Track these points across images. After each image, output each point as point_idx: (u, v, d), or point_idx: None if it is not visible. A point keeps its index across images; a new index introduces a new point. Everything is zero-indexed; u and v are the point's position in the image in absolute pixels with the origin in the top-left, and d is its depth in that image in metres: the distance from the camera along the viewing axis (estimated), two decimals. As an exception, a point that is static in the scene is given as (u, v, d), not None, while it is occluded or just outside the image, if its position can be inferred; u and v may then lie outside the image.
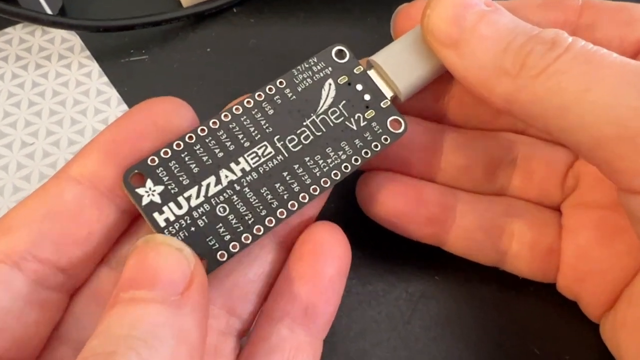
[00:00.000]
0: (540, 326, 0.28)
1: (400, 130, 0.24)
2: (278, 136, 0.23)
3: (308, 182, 0.23)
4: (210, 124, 0.23)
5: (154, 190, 0.21)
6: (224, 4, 0.38)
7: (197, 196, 0.21)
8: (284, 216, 0.22)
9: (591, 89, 0.18)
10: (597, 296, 0.25)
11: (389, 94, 0.24)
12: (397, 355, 0.27)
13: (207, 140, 0.23)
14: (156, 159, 0.21)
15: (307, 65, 0.24)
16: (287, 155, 0.23)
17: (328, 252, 0.23)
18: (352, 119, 0.24)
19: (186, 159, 0.22)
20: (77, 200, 0.20)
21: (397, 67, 0.24)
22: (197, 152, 0.22)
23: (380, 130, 0.24)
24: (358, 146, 0.23)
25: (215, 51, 0.37)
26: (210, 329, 0.22)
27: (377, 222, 0.27)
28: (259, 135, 0.23)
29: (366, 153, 0.23)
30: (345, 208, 0.30)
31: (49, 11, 0.36)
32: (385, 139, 0.24)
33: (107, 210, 0.21)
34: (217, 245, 0.21)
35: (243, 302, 0.23)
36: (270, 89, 0.24)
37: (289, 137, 0.23)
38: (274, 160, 0.23)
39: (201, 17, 0.38)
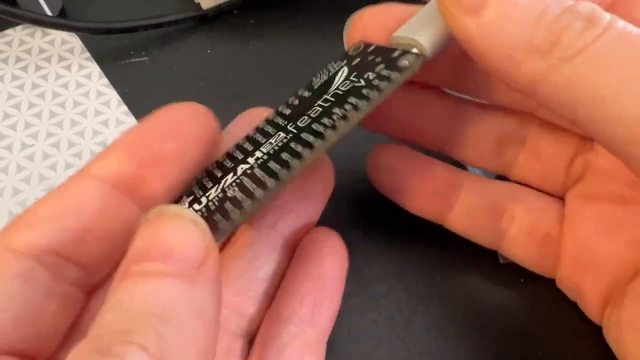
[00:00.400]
0: (543, 329, 0.28)
1: (408, 63, 0.21)
2: (291, 123, 0.22)
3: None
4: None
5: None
6: (225, 5, 0.38)
7: (215, 191, 0.21)
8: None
9: (636, 78, 0.16)
10: (598, 289, 0.25)
11: (413, 50, 0.22)
12: (397, 357, 0.27)
13: (233, 154, 0.23)
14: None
15: (323, 70, 0.24)
16: (295, 132, 0.21)
17: (330, 253, 0.24)
18: (361, 79, 0.22)
19: (213, 171, 0.22)
20: (98, 198, 0.20)
21: (416, 29, 0.22)
22: (223, 163, 0.22)
23: (389, 72, 0.21)
24: (365, 93, 0.21)
25: (215, 53, 0.37)
26: (222, 330, 0.22)
27: (383, 193, 0.28)
28: (275, 130, 0.23)
29: (375, 93, 0.21)
30: (347, 211, 0.30)
31: (49, 12, 0.36)
32: (395, 76, 0.21)
33: (128, 209, 0.21)
34: (223, 220, 0.20)
35: (252, 302, 0.23)
36: (291, 98, 0.24)
37: (300, 119, 0.22)
38: (284, 140, 0.21)
39: (203, 18, 0.38)
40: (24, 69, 0.36)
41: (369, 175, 0.28)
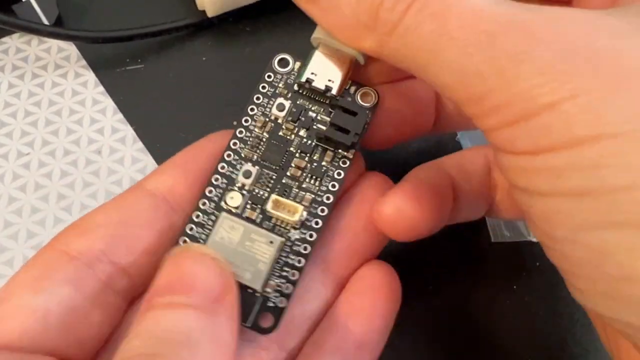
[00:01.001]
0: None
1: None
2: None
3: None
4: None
5: None
6: (223, 15, 0.38)
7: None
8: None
9: (439, 50, 0.17)
10: None
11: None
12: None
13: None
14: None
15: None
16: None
17: (384, 292, 0.23)
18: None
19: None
20: (151, 211, 0.21)
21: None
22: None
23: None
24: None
25: (211, 60, 0.37)
26: None
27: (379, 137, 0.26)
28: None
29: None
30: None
31: (45, 21, 0.36)
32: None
33: (177, 223, 0.22)
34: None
35: (294, 336, 0.23)
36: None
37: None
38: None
39: (199, 26, 0.38)
40: (21, 77, 0.36)
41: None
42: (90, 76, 0.36)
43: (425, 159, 0.36)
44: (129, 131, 0.34)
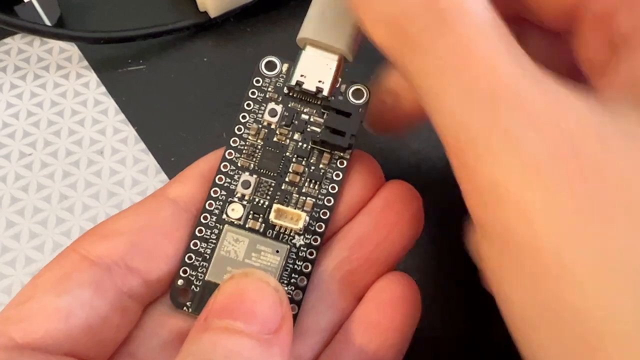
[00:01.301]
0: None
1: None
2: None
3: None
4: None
5: None
6: (225, 15, 0.38)
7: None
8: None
9: (444, 87, 0.17)
10: None
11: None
12: None
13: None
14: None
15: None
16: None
17: (403, 306, 0.23)
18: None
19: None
20: (171, 219, 0.22)
21: (328, 30, 0.23)
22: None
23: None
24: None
25: (213, 61, 0.37)
26: None
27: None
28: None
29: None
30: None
31: (47, 22, 0.36)
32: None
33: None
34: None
35: (308, 348, 0.23)
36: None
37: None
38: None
39: (201, 27, 0.38)
40: (23, 77, 0.36)
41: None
42: (92, 77, 0.36)
43: (430, 162, 0.36)
44: (130, 132, 0.34)
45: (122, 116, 0.35)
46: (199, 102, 0.36)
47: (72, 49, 0.37)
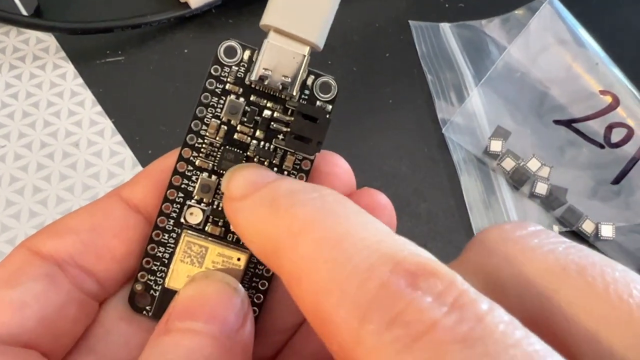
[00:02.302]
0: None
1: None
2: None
3: None
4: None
5: None
6: (206, 6, 0.37)
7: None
8: None
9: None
10: None
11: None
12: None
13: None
14: None
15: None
16: None
17: None
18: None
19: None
20: (122, 220, 0.21)
21: (296, 16, 0.21)
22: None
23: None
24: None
25: (193, 52, 0.37)
26: None
27: None
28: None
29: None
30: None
31: (23, 12, 0.36)
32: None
33: (148, 233, 0.22)
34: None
35: (270, 348, 0.23)
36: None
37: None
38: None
39: (181, 19, 0.37)
40: (-2, 68, 0.35)
41: None
42: (69, 68, 0.35)
43: (411, 157, 0.36)
44: (107, 124, 0.34)
45: (99, 108, 0.34)
46: (179, 94, 0.35)
47: (49, 40, 0.36)
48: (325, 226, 0.16)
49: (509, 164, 0.35)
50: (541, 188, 0.34)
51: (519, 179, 0.34)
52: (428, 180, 0.35)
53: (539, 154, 0.35)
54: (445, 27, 0.41)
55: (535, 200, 0.35)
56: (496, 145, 0.35)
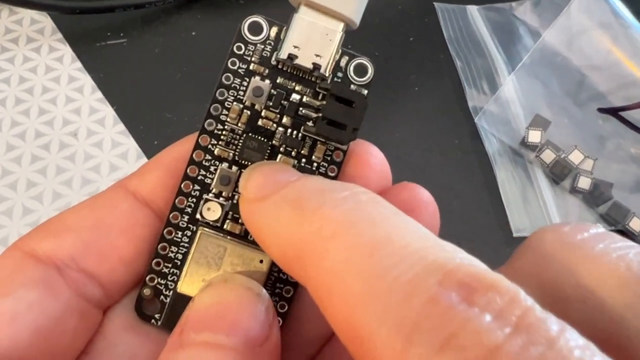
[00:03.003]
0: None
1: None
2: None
3: None
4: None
5: None
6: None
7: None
8: None
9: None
10: None
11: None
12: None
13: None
14: None
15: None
16: None
17: None
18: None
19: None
20: (130, 215, 0.19)
21: None
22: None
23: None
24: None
25: (201, 35, 0.34)
26: None
27: None
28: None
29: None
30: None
31: (16, -11, 0.33)
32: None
33: (159, 231, 0.19)
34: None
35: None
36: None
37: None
38: None
39: (187, -2, 0.35)
40: (-11, 51, 0.32)
41: None
42: (66, 51, 0.33)
43: (440, 149, 0.33)
44: (109, 112, 0.31)
45: (99, 94, 0.31)
46: (186, 80, 0.32)
47: (44, 20, 0.33)
48: (360, 230, 0.14)
49: (548, 156, 0.32)
50: (584, 182, 0.31)
51: (559, 173, 0.32)
52: (460, 174, 0.33)
53: (580, 145, 0.32)
54: (473, 10, 0.38)
55: (577, 196, 0.32)
56: (535, 136, 0.32)
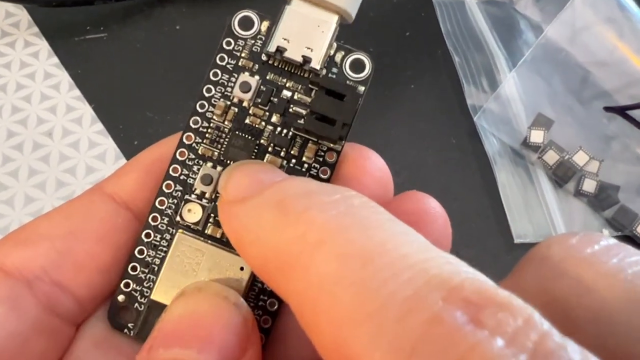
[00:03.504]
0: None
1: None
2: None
3: None
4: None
5: None
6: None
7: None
8: None
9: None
10: None
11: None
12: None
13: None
14: None
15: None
16: None
17: None
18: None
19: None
20: (108, 220, 0.18)
21: None
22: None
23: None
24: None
25: (186, 29, 0.32)
26: None
27: None
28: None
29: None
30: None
31: (-10, -20, 0.31)
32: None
33: (139, 236, 0.18)
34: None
35: None
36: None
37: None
38: None
39: (171, -10, 0.33)
40: (-40, 46, 0.31)
41: None
42: (43, 45, 0.31)
43: (437, 149, 0.32)
44: (86, 110, 0.29)
45: (77, 92, 0.30)
46: (169, 77, 0.31)
47: (20, 13, 0.32)
48: (351, 237, 0.12)
49: (552, 157, 0.30)
50: (589, 185, 0.30)
51: (563, 175, 0.30)
52: (457, 176, 0.31)
53: (585, 145, 0.31)
54: (472, 4, 0.37)
55: (582, 199, 0.30)
56: (537, 136, 0.30)
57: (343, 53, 0.18)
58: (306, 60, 0.18)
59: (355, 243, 0.12)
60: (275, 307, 0.18)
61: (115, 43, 0.32)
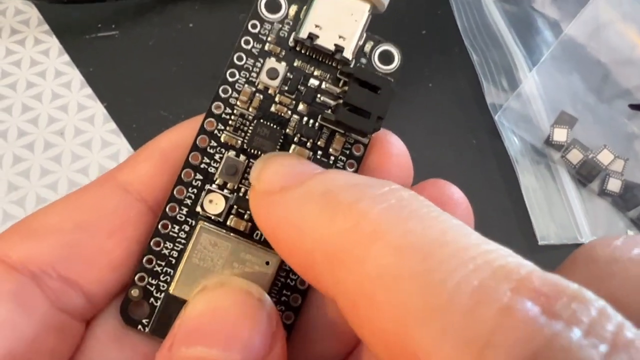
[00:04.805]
0: None
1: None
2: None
3: None
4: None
5: None
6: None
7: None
8: None
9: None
10: None
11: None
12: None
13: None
14: None
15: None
16: None
17: None
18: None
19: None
20: (120, 212, 0.17)
21: None
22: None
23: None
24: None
25: (199, 26, 0.32)
26: None
27: None
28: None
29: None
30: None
31: (-1, -23, 0.31)
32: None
33: (154, 228, 0.17)
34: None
35: None
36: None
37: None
38: None
39: (183, -12, 0.33)
40: (-31, 43, 0.30)
41: None
42: (53, 43, 0.31)
43: (456, 148, 0.31)
44: (98, 109, 0.29)
45: (88, 90, 0.29)
46: (182, 74, 0.30)
47: (30, 11, 0.32)
48: (408, 229, 0.12)
49: (575, 156, 0.29)
50: (614, 184, 0.29)
51: (587, 174, 0.29)
52: (477, 176, 0.30)
53: (608, 144, 0.30)
54: (489, 1, 0.36)
55: (606, 199, 0.30)
56: (560, 135, 0.30)
57: (372, 43, 0.18)
58: (338, 49, 0.17)
59: (413, 235, 0.12)
60: (299, 302, 0.17)
61: (127, 41, 0.31)
